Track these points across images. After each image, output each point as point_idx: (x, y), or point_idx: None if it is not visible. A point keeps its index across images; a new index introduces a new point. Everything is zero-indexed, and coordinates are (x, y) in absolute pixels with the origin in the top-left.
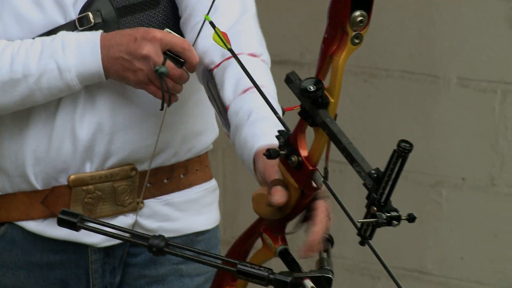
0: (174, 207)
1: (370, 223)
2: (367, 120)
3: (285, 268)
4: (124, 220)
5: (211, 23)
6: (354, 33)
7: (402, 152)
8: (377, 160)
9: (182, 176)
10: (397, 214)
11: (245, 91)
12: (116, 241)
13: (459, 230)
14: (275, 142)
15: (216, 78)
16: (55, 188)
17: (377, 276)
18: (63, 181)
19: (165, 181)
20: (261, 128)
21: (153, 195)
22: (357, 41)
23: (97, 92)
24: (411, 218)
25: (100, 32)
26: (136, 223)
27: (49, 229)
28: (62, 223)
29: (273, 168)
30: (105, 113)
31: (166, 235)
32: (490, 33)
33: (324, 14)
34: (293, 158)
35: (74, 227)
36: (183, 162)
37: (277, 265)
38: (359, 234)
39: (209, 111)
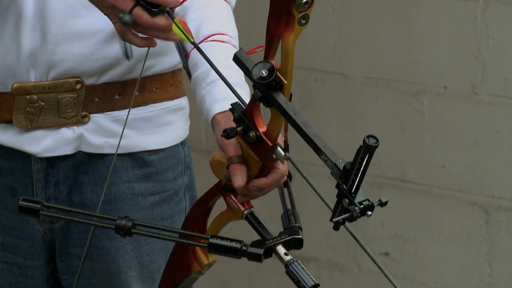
0: (122, 124)
1: (344, 218)
2: (347, 28)
3: (251, 231)
4: (67, 133)
5: (169, 13)
6: (300, 15)
7: (368, 148)
8: (358, 67)
9: (137, 93)
10: (369, 203)
11: (206, 38)
12: (58, 153)
13: (440, 138)
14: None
15: (177, 18)
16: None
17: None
18: (9, 87)
19: (116, 96)
20: (218, 92)
21: (101, 110)
22: (303, 21)
23: (46, 3)
24: (382, 203)
25: None
26: (81, 137)
27: None
28: (24, 211)
29: (231, 142)
30: (51, 22)
31: (112, 151)
32: None
33: None
34: (251, 134)
35: (37, 215)
36: (139, 79)
37: (240, 225)
38: (334, 227)
39: None
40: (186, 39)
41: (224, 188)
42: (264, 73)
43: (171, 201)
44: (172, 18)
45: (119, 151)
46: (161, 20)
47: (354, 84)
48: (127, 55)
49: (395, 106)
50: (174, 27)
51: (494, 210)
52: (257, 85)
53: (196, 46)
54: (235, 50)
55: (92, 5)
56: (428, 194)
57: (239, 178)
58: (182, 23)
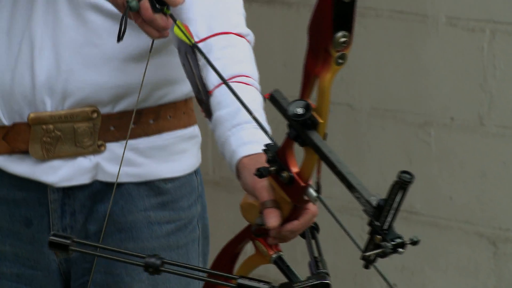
0: (138, 153)
1: (376, 254)
2: (354, 59)
3: (279, 274)
4: (83, 162)
5: (171, 16)
6: (338, 54)
7: (403, 183)
8: (366, 99)
9: (151, 121)
10: (401, 241)
11: (231, 78)
12: (75, 183)
13: (447, 169)
14: (259, 150)
15: (198, 55)
16: (15, 125)
17: (366, 217)
18: (25, 118)
19: (132, 125)
20: (245, 135)
21: (117, 139)
22: (341, 61)
23: (58, 30)
24: (414, 242)
25: None
26: (97, 166)
27: (11, 165)
28: (53, 246)
29: (263, 183)
30: (64, 50)
31: (129, 180)
32: None
33: None
34: (284, 174)
35: (66, 250)
36: (154, 108)
37: (267, 269)
38: (365, 264)
39: None
40: (187, 41)
41: (255, 233)
42: (300, 111)
43: (185, 229)
44: (174, 20)
45: (135, 179)
46: (160, 19)
47: (361, 115)
48: (119, 36)
49: (402, 137)
50: (175, 28)
51: (502, 242)
52: (293, 123)
53: (199, 49)
54: (259, 93)
55: (105, 33)
56: (435, 226)
57: (273, 220)
58: (184, 26)
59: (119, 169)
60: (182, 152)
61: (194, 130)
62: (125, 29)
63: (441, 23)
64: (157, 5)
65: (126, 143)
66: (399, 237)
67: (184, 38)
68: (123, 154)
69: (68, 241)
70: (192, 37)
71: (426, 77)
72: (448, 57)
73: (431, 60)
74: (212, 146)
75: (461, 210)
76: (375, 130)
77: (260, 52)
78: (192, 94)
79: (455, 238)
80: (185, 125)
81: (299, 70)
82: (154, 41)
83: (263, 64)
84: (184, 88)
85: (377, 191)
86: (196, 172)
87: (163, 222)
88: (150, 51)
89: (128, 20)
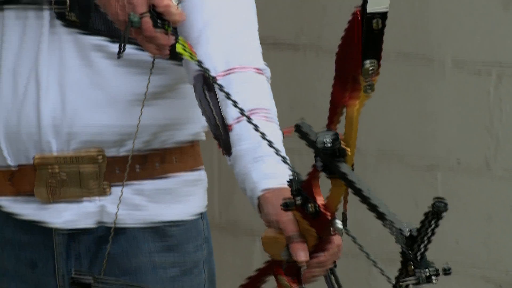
0: (143, 196)
1: (409, 283)
2: None
3: None
4: (88, 205)
5: (175, 31)
6: (366, 83)
7: (437, 212)
8: (372, 142)
9: (157, 164)
10: (435, 270)
11: (251, 113)
12: (80, 225)
13: (454, 213)
14: (281, 183)
15: (217, 90)
16: (21, 167)
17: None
18: (31, 159)
19: (137, 168)
20: (267, 168)
21: (122, 182)
22: (369, 90)
23: (63, 71)
24: (447, 271)
25: None
26: (102, 209)
27: (16, 207)
28: (76, 284)
29: (287, 216)
30: (69, 91)
31: (134, 223)
32: (485, 15)
33: None
34: (309, 207)
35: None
36: (159, 151)
37: None
38: None
39: (195, 105)
40: (190, 58)
41: (286, 271)
42: (328, 141)
43: (191, 273)
44: (177, 37)
45: (140, 223)
46: (162, 36)
47: (368, 158)
48: (119, 53)
49: (408, 180)
50: (178, 46)
51: (508, 285)
52: (320, 154)
53: (202, 66)
54: (278, 128)
55: (110, 74)
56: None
57: (303, 254)
58: (187, 43)
59: (117, 209)
60: (188, 196)
61: (201, 173)
62: (125, 45)
63: (448, 66)
64: (158, 22)
65: (124, 183)
66: (432, 265)
67: (186, 54)
68: (121, 194)
69: (90, 279)
70: (195, 54)
71: (433, 120)
72: (455, 100)
73: (438, 103)
74: (219, 190)
75: (467, 254)
76: (382, 173)
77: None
78: (199, 137)
79: (462, 282)
80: (191, 168)
81: (306, 113)
82: (161, 84)
83: None
84: (191, 131)
85: (384, 235)
86: (202, 215)
87: (168, 266)
88: (151, 72)
89: (134, 63)
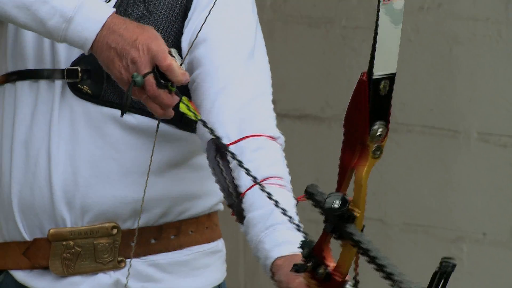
0: (159, 268)
1: None
2: (387, 175)
3: None
4: (103, 278)
5: (177, 93)
6: (374, 146)
7: (445, 272)
8: (399, 216)
9: (172, 237)
10: None
11: (264, 180)
12: None
13: (480, 285)
14: (294, 251)
15: (229, 157)
16: (36, 240)
17: None
18: (46, 232)
19: (152, 241)
20: (279, 236)
21: (137, 255)
22: (377, 153)
23: (75, 144)
24: None
25: (112, 11)
26: (117, 282)
27: (32, 280)
28: None
29: (298, 280)
30: (81, 164)
31: None
32: (510, 87)
33: (344, 68)
34: (320, 270)
35: None
36: (175, 223)
37: None
38: None
39: (211, 177)
40: (194, 117)
41: None
42: (337, 204)
43: None
44: (180, 97)
45: None
46: (165, 95)
47: (393, 230)
48: (122, 112)
49: (434, 252)
50: (181, 105)
51: None
52: (329, 216)
53: (204, 124)
54: (291, 195)
55: (123, 146)
56: None
57: None
58: (190, 102)
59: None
60: (205, 267)
61: (218, 244)
62: (128, 104)
63: (473, 139)
64: (161, 81)
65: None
66: None
67: (190, 114)
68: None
69: None
70: (199, 113)
71: (458, 192)
72: (480, 172)
73: (463, 175)
74: (244, 260)
75: None
76: (407, 245)
77: (292, 167)
78: (217, 208)
79: None
80: (208, 240)
81: (332, 185)
82: (176, 154)
83: (295, 178)
84: (207, 203)
85: None
86: (220, 286)
87: None
88: (156, 132)
89: (147, 133)
